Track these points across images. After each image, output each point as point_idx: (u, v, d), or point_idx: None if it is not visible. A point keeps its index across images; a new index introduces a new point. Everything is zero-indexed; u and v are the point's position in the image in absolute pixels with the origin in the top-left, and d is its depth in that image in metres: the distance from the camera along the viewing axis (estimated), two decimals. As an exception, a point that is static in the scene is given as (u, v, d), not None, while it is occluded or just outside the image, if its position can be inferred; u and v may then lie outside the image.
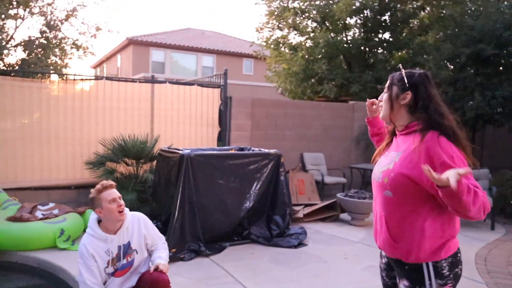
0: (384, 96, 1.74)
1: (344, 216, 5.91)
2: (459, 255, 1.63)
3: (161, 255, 2.59)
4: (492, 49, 7.02)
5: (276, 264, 4.03)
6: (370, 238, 5.03)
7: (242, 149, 5.41)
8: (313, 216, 5.74)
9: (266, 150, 5.04)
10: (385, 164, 1.70)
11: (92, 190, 2.42)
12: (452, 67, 7.83)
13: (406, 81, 1.66)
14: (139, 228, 2.54)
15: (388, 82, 1.75)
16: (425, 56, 8.86)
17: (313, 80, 10.50)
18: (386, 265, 1.80)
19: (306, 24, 10.80)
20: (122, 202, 2.43)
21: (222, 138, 6.88)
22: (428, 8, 9.91)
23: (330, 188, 7.65)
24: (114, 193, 2.41)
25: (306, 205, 6.10)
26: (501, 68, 7.70)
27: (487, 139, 9.61)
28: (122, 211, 2.42)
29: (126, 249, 2.48)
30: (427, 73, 1.69)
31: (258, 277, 3.67)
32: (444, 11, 9.22)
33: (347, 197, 5.66)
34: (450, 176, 1.29)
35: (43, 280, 3.84)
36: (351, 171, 7.98)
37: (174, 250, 3.98)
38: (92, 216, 2.49)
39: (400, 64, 1.76)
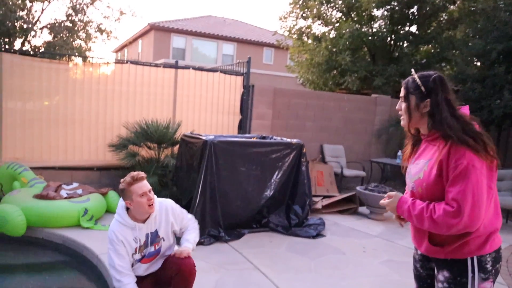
0: (402, 106, 1.69)
1: (363, 209, 5.87)
2: (501, 251, 1.61)
3: (189, 237, 2.60)
4: (525, 45, 6.79)
5: (295, 253, 4.04)
6: (388, 233, 4.99)
7: (263, 138, 5.40)
8: (332, 208, 5.73)
9: (289, 140, 5.02)
10: (415, 173, 1.68)
11: (122, 181, 2.38)
12: (479, 63, 7.61)
13: (423, 89, 1.61)
14: (167, 216, 2.54)
15: (403, 91, 1.69)
16: (453, 51, 8.62)
17: (335, 72, 10.38)
18: (423, 256, 1.77)
19: (331, 14, 10.64)
20: (152, 195, 2.40)
21: (243, 126, 6.89)
22: (458, 2, 9.61)
23: (349, 181, 7.60)
24: (145, 186, 2.37)
25: (325, 197, 6.09)
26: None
27: (512, 138, 9.36)
28: (152, 205, 2.39)
29: (154, 238, 2.49)
30: (441, 77, 1.63)
31: (277, 265, 3.70)
32: (475, 5, 8.93)
33: (367, 190, 5.61)
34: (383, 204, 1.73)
35: (68, 257, 3.96)
36: (370, 165, 7.91)
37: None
38: (121, 203, 2.47)
39: (412, 69, 1.70)
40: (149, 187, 2.40)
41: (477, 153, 1.49)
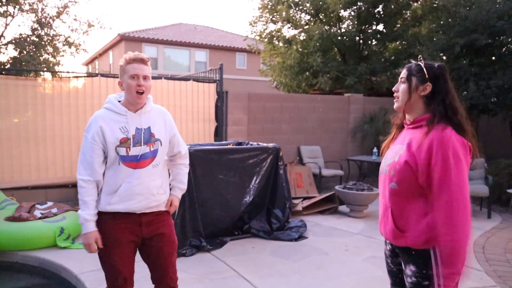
0: (401, 86, 1.74)
1: (343, 208, 5.94)
2: None
3: (182, 179, 2.31)
4: (486, 39, 7.05)
5: (278, 257, 4.05)
6: (369, 230, 5.07)
7: (240, 144, 5.40)
8: (312, 209, 5.77)
9: (265, 144, 5.04)
10: (391, 157, 1.74)
11: (122, 58, 2.09)
12: (445, 58, 7.87)
13: (426, 72, 1.67)
14: (164, 120, 2.18)
15: (405, 73, 1.73)
16: (418, 47, 8.87)
17: (308, 73, 10.50)
18: (391, 252, 1.83)
19: (300, 17, 10.78)
20: (144, 83, 2.02)
21: (219, 133, 6.87)
22: (421, -1, 9.93)
23: (328, 180, 7.68)
24: (140, 69, 2.02)
25: (305, 198, 6.13)
26: (494, 57, 7.75)
27: (481, 128, 9.70)
28: (141, 93, 2.02)
29: (148, 136, 2.08)
30: (445, 66, 1.70)
31: (261, 270, 3.69)
32: (436, 2, 9.24)
33: (346, 189, 5.69)
34: None
35: (45, 279, 3.83)
36: (348, 163, 8.02)
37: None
38: (111, 95, 2.17)
39: (420, 56, 1.75)
40: (147, 73, 2.04)
41: (466, 142, 1.56)
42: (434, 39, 7.99)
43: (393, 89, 1.79)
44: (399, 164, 1.64)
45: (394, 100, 1.78)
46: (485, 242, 4.63)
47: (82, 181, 2.03)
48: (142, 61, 2.04)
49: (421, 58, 1.73)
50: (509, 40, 7.41)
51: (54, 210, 4.65)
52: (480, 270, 3.75)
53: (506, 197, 6.26)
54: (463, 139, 1.57)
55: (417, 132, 1.66)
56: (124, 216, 2.07)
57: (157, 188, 2.11)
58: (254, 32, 11.38)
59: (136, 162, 2.05)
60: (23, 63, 9.23)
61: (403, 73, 1.75)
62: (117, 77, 6.27)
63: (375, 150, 7.48)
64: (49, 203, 4.90)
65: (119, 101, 2.11)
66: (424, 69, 1.67)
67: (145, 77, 2.04)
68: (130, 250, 2.13)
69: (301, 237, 4.65)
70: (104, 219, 2.08)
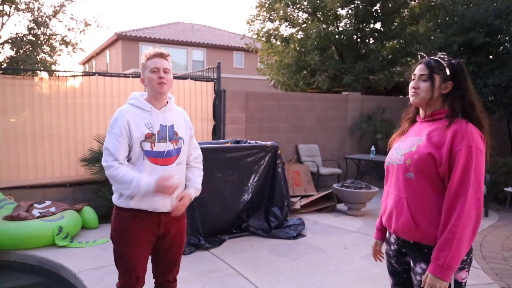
0: (423, 84, 1.69)
1: (341, 206, 5.96)
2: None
3: (198, 181, 2.28)
4: (483, 37, 7.07)
5: (276, 256, 4.06)
6: (367, 227, 5.08)
7: (238, 142, 5.41)
8: (310, 207, 5.78)
9: (263, 143, 5.04)
10: (406, 147, 1.71)
11: (143, 55, 2.15)
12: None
13: (448, 70, 1.67)
14: (185, 120, 2.24)
15: (425, 69, 1.69)
16: (416, 46, 8.89)
17: (305, 72, 10.51)
18: (397, 252, 1.79)
19: (297, 15, 10.78)
20: (165, 75, 2.07)
21: (217, 132, 6.87)
22: (418, -2, 9.94)
23: (326, 179, 7.70)
24: (160, 62, 2.07)
25: (303, 197, 6.15)
26: (491, 56, 7.77)
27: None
28: (162, 84, 2.06)
29: (171, 134, 2.11)
30: (462, 63, 1.71)
31: (259, 268, 3.70)
32: (434, 0, 9.26)
33: (344, 187, 5.70)
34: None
35: (44, 278, 3.83)
36: (346, 162, 8.04)
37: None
38: (134, 92, 2.21)
39: (440, 53, 1.74)
40: (167, 66, 2.09)
41: (483, 136, 1.58)
42: (432, 37, 8.00)
43: (412, 85, 1.73)
44: (418, 153, 1.62)
45: (411, 94, 1.73)
46: (482, 240, 4.65)
47: (111, 168, 1.99)
48: (162, 55, 2.10)
49: (442, 55, 1.71)
50: (507, 38, 7.43)
51: (53, 209, 4.65)
52: (477, 267, 3.77)
53: (503, 195, 6.29)
54: (482, 134, 1.59)
55: (436, 124, 1.65)
56: (144, 215, 2.07)
57: (180, 186, 2.14)
58: (252, 30, 11.38)
59: (162, 159, 2.05)
60: (20, 62, 9.20)
61: (423, 69, 1.69)
62: (115, 76, 6.28)
63: (373, 148, 7.50)
64: (47, 202, 4.89)
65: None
66: (447, 68, 1.67)
67: (165, 70, 2.08)
68: (146, 249, 2.14)
69: (299, 235, 4.66)
70: (123, 217, 2.08)
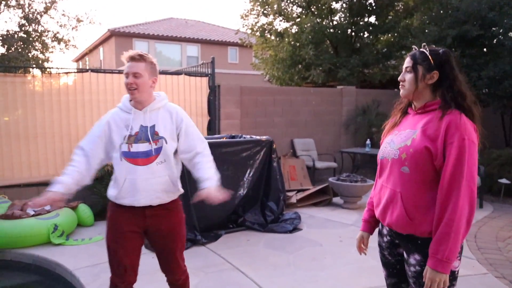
0: (407, 76, 1.70)
1: (337, 200, 5.98)
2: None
3: (210, 174, 2.17)
4: (477, 30, 7.08)
5: (273, 250, 4.06)
6: (363, 221, 5.10)
7: (233, 137, 5.39)
8: (306, 201, 5.79)
9: (258, 137, 5.03)
10: (400, 141, 1.69)
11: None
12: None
13: (432, 60, 1.65)
14: (171, 118, 2.19)
15: (410, 61, 1.70)
16: (410, 39, 8.89)
17: (300, 66, 10.49)
18: (389, 243, 1.80)
19: (292, 9, 10.74)
20: (134, 80, 2.06)
21: (212, 127, 6.85)
22: (412, -10, 9.93)
23: (321, 173, 7.71)
24: (131, 66, 2.06)
25: (299, 191, 6.16)
26: (485, 49, 7.79)
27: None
28: (131, 90, 2.07)
29: (152, 133, 2.11)
30: (450, 52, 1.68)
31: (256, 263, 3.70)
32: (428, -7, 9.24)
33: (339, 181, 5.71)
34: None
35: (40, 276, 3.81)
36: (341, 156, 8.05)
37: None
38: (125, 95, 2.25)
39: (424, 44, 1.73)
40: (138, 70, 2.06)
41: (476, 127, 1.57)
42: (426, 30, 8.00)
43: (399, 78, 1.75)
44: (413, 147, 1.61)
45: (400, 87, 1.75)
46: (477, 231, 4.68)
47: (75, 149, 2.14)
48: (133, 58, 2.08)
49: (425, 45, 1.70)
50: (500, 31, 7.45)
51: (47, 207, 4.61)
52: (472, 258, 3.80)
53: (497, 187, 6.33)
54: (474, 125, 1.58)
55: (429, 116, 1.64)
56: (129, 208, 2.15)
57: (161, 185, 2.14)
58: (246, 25, 11.33)
59: (139, 158, 2.09)
60: (12, 60, 9.10)
61: (408, 62, 1.71)
62: (108, 72, 6.23)
63: (368, 142, 7.51)
64: (42, 200, 4.85)
65: (130, 100, 2.19)
66: (430, 57, 1.65)
67: (135, 75, 2.07)
68: (133, 240, 2.18)
69: (295, 229, 4.67)
70: (112, 208, 2.20)
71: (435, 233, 1.54)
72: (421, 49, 1.70)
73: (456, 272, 1.62)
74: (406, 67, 1.72)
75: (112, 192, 2.18)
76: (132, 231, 2.16)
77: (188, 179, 4.31)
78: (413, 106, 1.77)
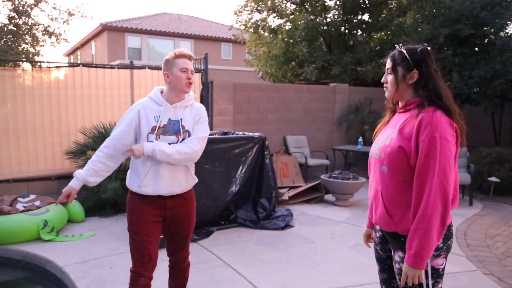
0: (389, 77, 1.72)
1: (329, 197, 6.00)
2: (451, 228, 1.67)
3: (163, 146, 2.17)
4: (469, 29, 7.13)
5: (264, 246, 4.07)
6: (355, 218, 5.13)
7: (225, 134, 5.38)
8: (298, 198, 5.81)
9: (251, 134, 5.03)
10: (382, 141, 1.73)
11: (170, 53, 2.29)
12: (429, 48, 7.93)
13: (410, 60, 1.66)
14: (193, 113, 2.31)
15: (389, 63, 1.72)
16: (403, 37, 8.92)
17: (293, 63, 10.48)
18: (381, 239, 1.83)
19: (285, 6, 10.71)
20: (192, 77, 2.27)
21: (205, 124, 6.82)
22: (406, -11, 9.95)
23: (314, 170, 7.73)
24: (189, 64, 2.25)
25: (291, 188, 6.16)
26: (477, 48, 7.85)
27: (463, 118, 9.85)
28: (190, 84, 2.25)
29: (177, 127, 2.24)
30: (428, 49, 1.69)
31: (248, 259, 3.71)
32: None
33: (331, 178, 5.73)
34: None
35: (29, 272, 3.77)
36: (333, 153, 8.08)
37: (162, 236, 3.95)
38: (157, 86, 2.38)
39: (400, 44, 1.74)
40: (193, 69, 2.28)
41: (453, 123, 1.57)
42: (419, 29, 8.04)
43: (382, 80, 1.78)
44: (390, 147, 1.63)
45: (384, 89, 1.78)
46: (466, 228, 4.74)
47: (101, 147, 2.26)
48: (191, 57, 2.29)
49: (401, 45, 1.71)
50: (492, 30, 7.51)
51: (37, 203, 4.57)
52: (461, 255, 3.84)
53: (487, 185, 6.40)
54: (451, 122, 1.57)
55: (407, 115, 1.66)
56: (151, 198, 2.25)
57: (182, 173, 2.30)
58: (239, 21, 11.27)
59: None
60: (1, 53, 8.97)
61: (388, 63, 1.73)
62: (100, 67, 6.17)
63: (360, 139, 7.54)
64: (32, 196, 4.81)
65: (161, 93, 2.32)
66: (408, 57, 1.66)
67: (192, 72, 2.29)
68: (155, 229, 2.30)
69: (287, 226, 4.68)
70: (134, 198, 2.29)
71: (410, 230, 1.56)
72: (400, 49, 1.71)
73: (441, 270, 1.63)
74: (387, 69, 1.74)
75: (133, 182, 2.27)
76: (155, 221, 2.28)
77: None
78: (398, 105, 1.79)
